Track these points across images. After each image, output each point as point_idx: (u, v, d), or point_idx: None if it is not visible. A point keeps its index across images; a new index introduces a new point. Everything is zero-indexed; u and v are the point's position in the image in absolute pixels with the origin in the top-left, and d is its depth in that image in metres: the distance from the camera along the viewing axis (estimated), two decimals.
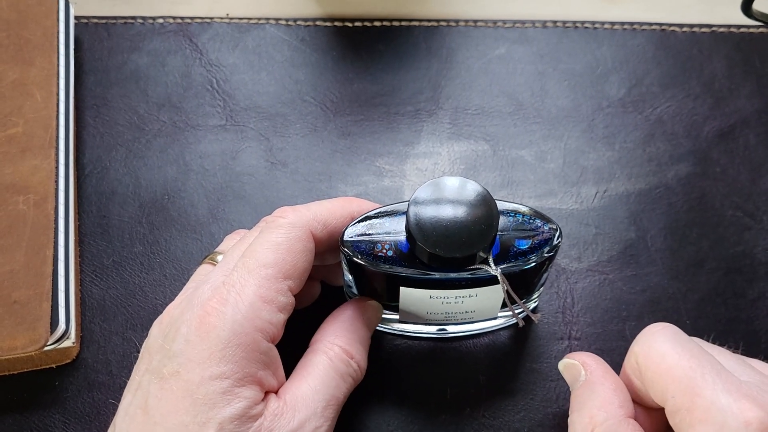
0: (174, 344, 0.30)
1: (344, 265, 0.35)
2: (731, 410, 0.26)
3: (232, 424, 0.28)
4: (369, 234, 0.33)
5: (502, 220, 0.33)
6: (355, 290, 0.36)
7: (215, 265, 0.35)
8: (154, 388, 0.29)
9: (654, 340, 0.30)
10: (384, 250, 0.33)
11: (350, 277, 0.36)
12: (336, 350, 0.33)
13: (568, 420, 0.32)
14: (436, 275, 0.33)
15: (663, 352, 0.29)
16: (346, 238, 0.33)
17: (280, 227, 0.32)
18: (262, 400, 0.30)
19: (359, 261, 0.33)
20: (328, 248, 0.34)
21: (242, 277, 0.31)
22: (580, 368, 0.32)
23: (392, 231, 0.33)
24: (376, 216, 0.33)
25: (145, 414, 0.29)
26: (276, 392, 0.31)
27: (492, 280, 0.33)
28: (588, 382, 0.32)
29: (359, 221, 0.34)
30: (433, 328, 0.39)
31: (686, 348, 0.29)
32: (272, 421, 0.30)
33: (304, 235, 0.32)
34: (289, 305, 0.32)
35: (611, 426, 0.29)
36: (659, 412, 0.31)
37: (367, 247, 0.33)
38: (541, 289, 0.38)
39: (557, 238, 0.33)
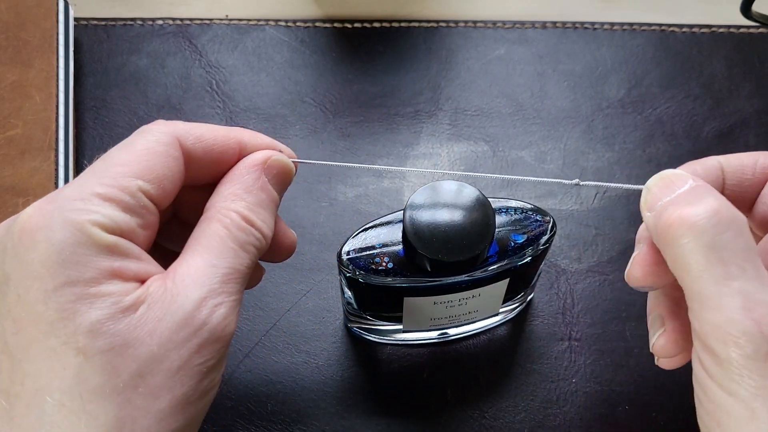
0: (5, 267, 0.25)
1: (343, 281, 0.35)
2: None
3: (105, 326, 0.24)
4: (366, 248, 0.33)
5: (496, 218, 0.33)
6: (355, 306, 0.36)
7: None
8: (8, 326, 0.25)
9: None
10: (384, 263, 0.32)
11: (350, 293, 0.35)
12: (233, 216, 0.28)
13: (667, 218, 0.25)
14: (441, 281, 0.32)
15: None
16: (343, 255, 0.33)
17: (140, 134, 0.28)
18: (140, 285, 0.25)
19: (359, 278, 0.33)
20: (212, 178, 0.29)
21: (81, 178, 0.26)
22: (688, 177, 0.27)
23: (389, 242, 0.33)
24: (372, 228, 0.33)
25: (10, 357, 0.25)
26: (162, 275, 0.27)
27: (494, 278, 0.33)
28: (696, 187, 0.26)
29: (354, 235, 0.33)
30: (434, 334, 0.39)
31: None
32: (161, 307, 0.25)
33: (167, 140, 0.27)
34: (143, 211, 0.26)
35: (740, 222, 0.25)
36: None
37: (365, 263, 0.33)
38: (537, 279, 0.38)
39: (552, 228, 0.33)
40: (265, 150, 0.30)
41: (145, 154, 0.27)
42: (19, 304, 0.24)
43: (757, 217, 0.29)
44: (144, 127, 0.28)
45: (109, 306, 0.24)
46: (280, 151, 0.30)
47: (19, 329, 0.24)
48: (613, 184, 0.29)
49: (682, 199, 0.26)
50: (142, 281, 0.26)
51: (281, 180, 0.30)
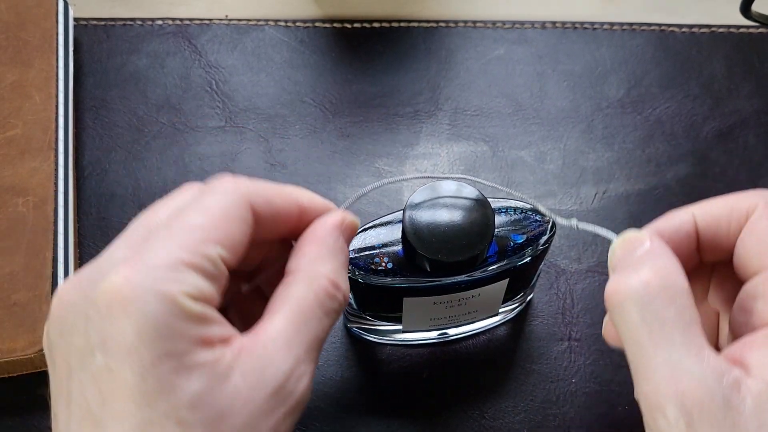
0: (90, 338, 0.24)
1: None
2: None
3: (204, 398, 0.24)
4: (365, 248, 0.33)
5: (496, 218, 0.33)
6: (355, 306, 0.36)
7: None
8: (92, 395, 0.24)
9: None
10: (384, 263, 0.32)
11: (349, 293, 0.35)
12: (322, 282, 0.27)
13: (613, 280, 0.27)
14: (441, 281, 0.32)
15: None
16: None
17: (214, 193, 0.27)
18: (227, 349, 0.25)
19: (359, 278, 0.33)
20: (269, 236, 0.29)
21: (160, 240, 0.25)
22: (646, 240, 0.27)
23: (389, 242, 0.33)
24: (371, 228, 0.33)
25: (95, 426, 0.24)
26: (242, 337, 0.27)
27: (494, 278, 0.33)
28: (649, 250, 0.27)
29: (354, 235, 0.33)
30: (434, 334, 0.39)
31: None
32: (253, 376, 0.25)
33: (242, 203, 0.27)
34: (222, 278, 0.26)
35: (671, 293, 0.25)
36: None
37: (365, 263, 0.32)
38: (537, 279, 0.38)
39: (551, 228, 0.33)
40: (338, 211, 0.30)
41: (222, 219, 0.26)
42: (111, 376, 0.24)
43: (737, 266, 0.28)
44: (216, 185, 0.28)
45: (206, 376, 0.24)
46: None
47: (106, 400, 0.24)
48: (604, 232, 0.29)
49: (627, 266, 0.27)
50: (225, 343, 0.26)
51: (350, 240, 0.30)
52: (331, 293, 0.28)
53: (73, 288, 0.26)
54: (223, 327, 0.26)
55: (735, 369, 0.24)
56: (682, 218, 0.29)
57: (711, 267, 0.31)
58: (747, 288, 0.27)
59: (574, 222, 0.31)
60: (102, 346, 0.24)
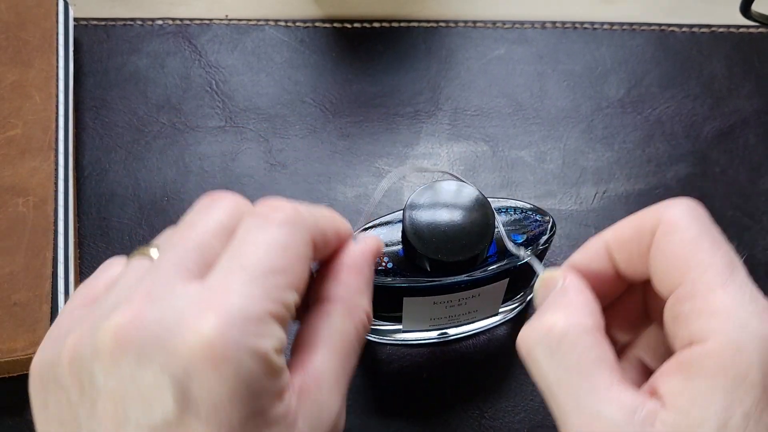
0: (162, 387, 0.22)
1: None
2: (754, 317, 0.23)
3: None
4: None
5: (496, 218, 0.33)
6: None
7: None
8: None
9: (687, 215, 0.26)
10: (384, 263, 0.32)
11: None
12: (362, 316, 0.27)
13: (524, 327, 0.27)
14: (441, 281, 0.32)
15: (695, 230, 0.26)
16: None
17: (282, 225, 0.25)
18: (292, 393, 0.25)
19: None
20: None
21: (240, 283, 0.23)
22: (560, 279, 0.27)
23: (389, 242, 0.33)
24: (371, 227, 0.33)
25: None
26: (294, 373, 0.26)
27: (494, 278, 0.33)
28: (562, 289, 0.27)
29: (354, 235, 0.33)
30: (434, 333, 0.39)
31: (718, 239, 0.26)
32: (312, 420, 0.25)
33: (309, 241, 0.26)
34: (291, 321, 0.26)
35: (572, 337, 0.25)
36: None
37: None
38: (537, 278, 0.38)
39: (551, 228, 0.33)
40: (372, 237, 0.30)
41: (296, 261, 0.25)
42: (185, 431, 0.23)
43: (655, 287, 0.27)
44: (277, 215, 0.25)
45: (281, 429, 0.24)
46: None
47: None
48: (538, 266, 0.30)
49: (542, 309, 0.27)
50: (290, 390, 0.25)
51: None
52: (367, 327, 0.28)
53: (134, 327, 0.22)
54: (287, 373, 0.25)
55: (650, 402, 0.24)
56: (595, 247, 0.28)
57: (643, 286, 0.30)
58: (665, 310, 0.26)
59: (522, 252, 0.31)
60: (181, 400, 0.22)
